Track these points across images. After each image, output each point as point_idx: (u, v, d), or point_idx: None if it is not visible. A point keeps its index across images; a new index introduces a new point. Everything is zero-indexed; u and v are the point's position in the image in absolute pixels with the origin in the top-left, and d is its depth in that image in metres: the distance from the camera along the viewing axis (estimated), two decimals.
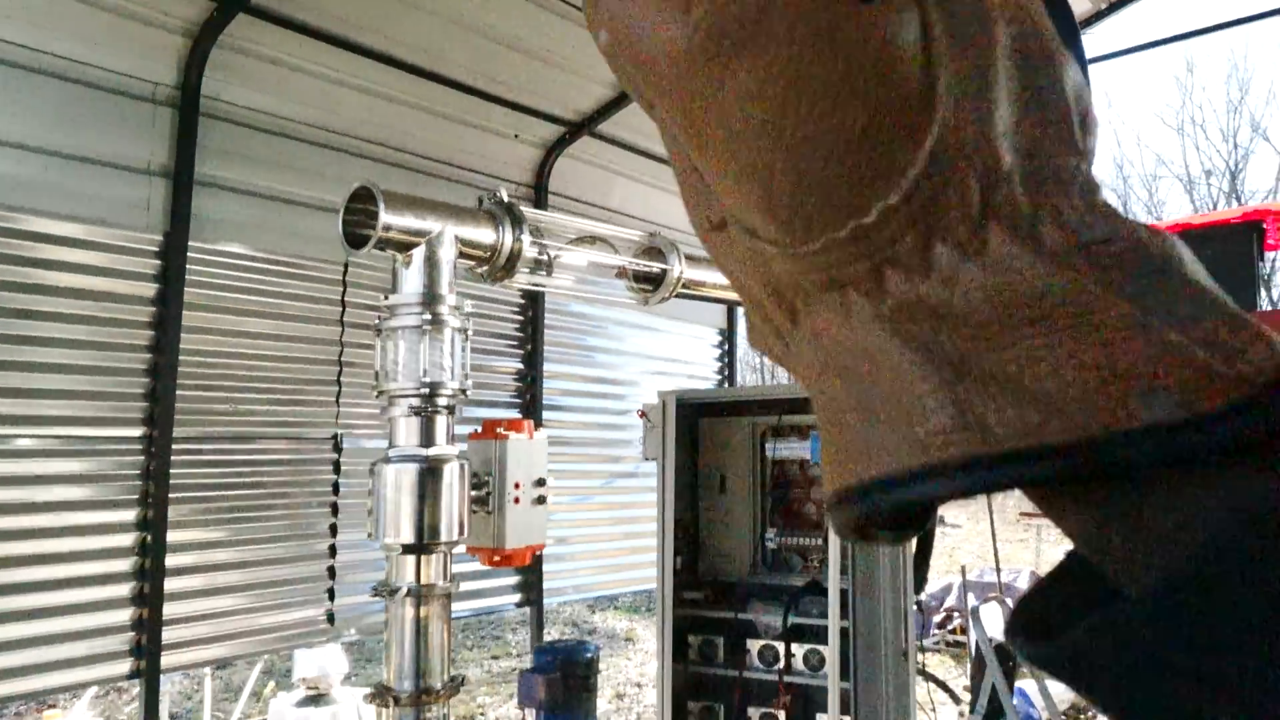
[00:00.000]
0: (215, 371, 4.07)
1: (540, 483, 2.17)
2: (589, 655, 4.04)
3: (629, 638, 10.55)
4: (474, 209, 2.25)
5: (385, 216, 1.92)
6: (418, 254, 2.02)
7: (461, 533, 1.95)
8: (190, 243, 3.96)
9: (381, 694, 1.76)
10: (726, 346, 7.16)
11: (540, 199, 5.59)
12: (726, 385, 7.07)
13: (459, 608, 5.00)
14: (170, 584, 3.78)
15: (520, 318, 5.56)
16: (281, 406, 4.33)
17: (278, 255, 4.36)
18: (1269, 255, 4.40)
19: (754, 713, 4.18)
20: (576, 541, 5.84)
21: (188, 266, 3.94)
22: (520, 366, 5.54)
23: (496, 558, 2.06)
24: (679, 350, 6.81)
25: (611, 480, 6.06)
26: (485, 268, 2.17)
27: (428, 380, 1.96)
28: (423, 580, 1.89)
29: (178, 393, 3.85)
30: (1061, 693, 7.07)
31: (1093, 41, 5.64)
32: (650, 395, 4.64)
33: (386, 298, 2.03)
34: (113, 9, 3.67)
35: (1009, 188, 0.22)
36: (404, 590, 1.80)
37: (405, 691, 1.72)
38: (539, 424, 5.47)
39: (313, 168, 4.49)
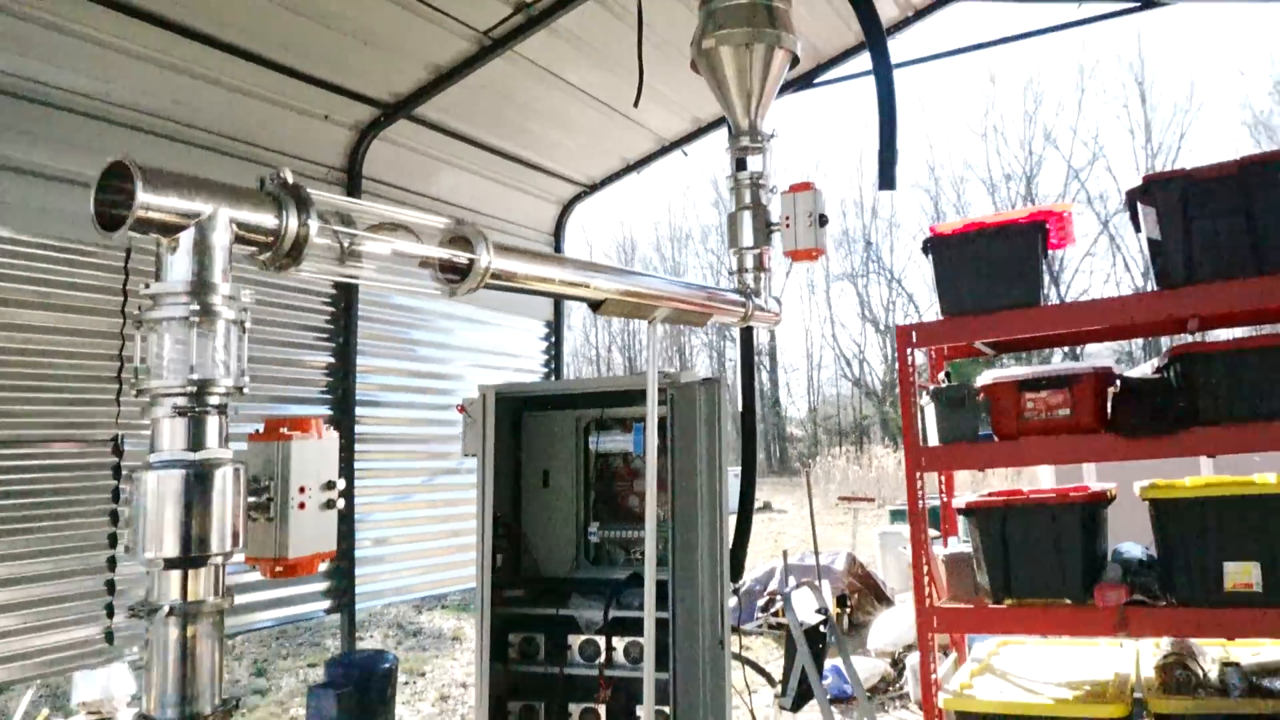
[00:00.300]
0: None
1: (330, 485, 2.02)
2: (386, 666, 3.86)
3: (456, 636, 10.33)
4: (254, 190, 2.07)
5: (143, 195, 1.73)
6: (185, 238, 1.83)
7: (236, 543, 1.78)
8: None
9: None
10: (554, 339, 7.10)
11: (354, 184, 5.32)
12: (553, 378, 7.01)
13: (263, 618, 4.69)
14: None
15: (332, 309, 5.27)
16: (57, 406, 3.90)
17: (51, 240, 3.92)
18: (1055, 253, 4.77)
19: (575, 709, 4.16)
20: (397, 541, 5.62)
21: None
22: (332, 360, 5.25)
23: (279, 568, 1.91)
24: (507, 343, 6.68)
25: (433, 478, 5.87)
26: (267, 255, 2.00)
27: (196, 377, 1.78)
28: (190, 597, 1.71)
29: None
30: (868, 668, 7.50)
31: (900, 46, 5.96)
32: (477, 389, 4.51)
33: (148, 285, 1.83)
34: None
35: None
36: (166, 609, 1.63)
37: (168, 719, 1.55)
38: (352, 421, 5.22)
39: (91, 144, 4.07)
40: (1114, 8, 5.42)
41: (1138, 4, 5.28)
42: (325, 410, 5.13)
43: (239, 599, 4.54)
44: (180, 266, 1.81)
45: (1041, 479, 10.54)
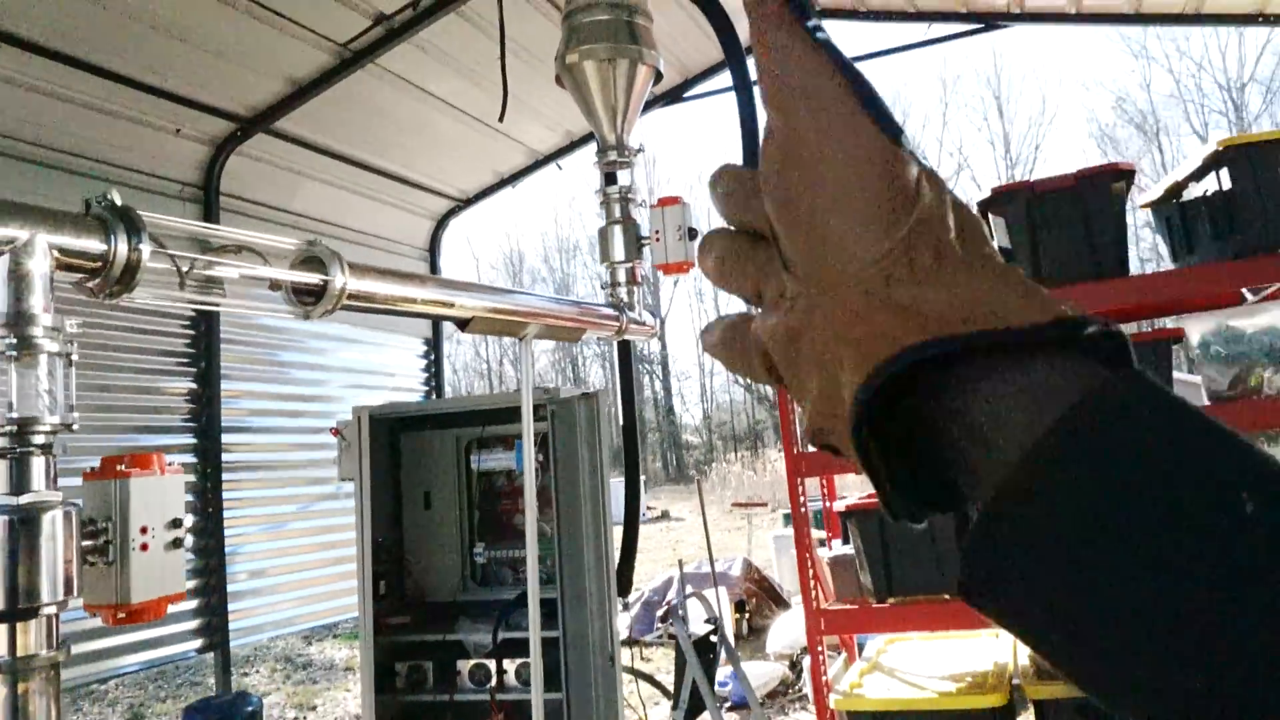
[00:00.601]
0: None
1: (176, 524, 1.90)
2: (250, 709, 3.67)
3: (349, 667, 9.96)
4: (78, 214, 1.93)
5: None
6: None
7: (70, 591, 1.65)
8: None
9: None
10: (433, 357, 6.95)
11: (210, 201, 5.08)
12: (433, 397, 6.86)
13: (129, 661, 4.41)
14: None
15: (192, 332, 5.01)
16: None
17: None
18: None
19: None
20: (275, 573, 5.38)
21: None
22: (193, 386, 4.98)
23: (121, 614, 1.77)
24: (385, 362, 6.51)
25: (310, 504, 5.65)
26: (95, 282, 1.87)
27: (16, 415, 1.64)
28: (20, 652, 1.57)
29: None
30: (767, 672, 7.62)
31: None
32: (351, 411, 4.36)
33: None
34: None
35: (947, 236, 0.38)
36: None
37: None
38: (219, 449, 4.96)
39: None
40: (959, 29, 5.71)
41: (981, 25, 5.58)
42: (189, 439, 4.87)
43: (101, 643, 4.27)
44: None
45: None
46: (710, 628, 4.11)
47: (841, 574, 4.47)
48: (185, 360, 4.96)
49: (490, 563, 4.55)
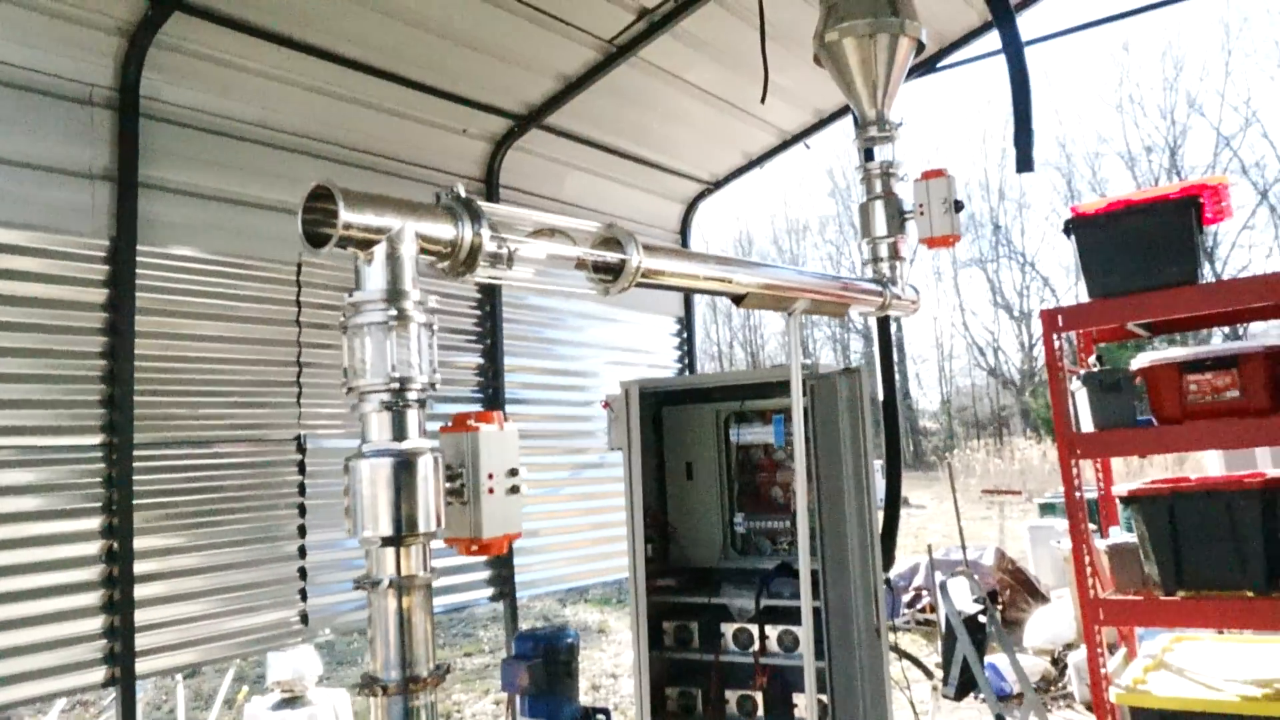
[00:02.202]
0: (173, 376, 4.01)
1: (513, 473, 2.17)
2: (569, 641, 4.10)
3: (602, 629, 10.59)
4: (432, 205, 2.24)
5: (345, 214, 1.91)
6: (379, 251, 2.01)
7: (438, 524, 1.95)
8: (139, 247, 3.88)
9: (369, 684, 1.77)
10: (685, 334, 7.20)
11: (492, 193, 5.57)
12: (686, 373, 7.11)
13: (439, 603, 4.98)
14: (138, 591, 3.72)
15: (478, 313, 5.54)
16: (242, 409, 4.27)
17: (229, 257, 4.29)
18: (1209, 228, 4.51)
19: (731, 695, 4.23)
20: (547, 534, 5.85)
21: (138, 271, 3.86)
22: (481, 361, 5.52)
23: (474, 547, 2.07)
24: (639, 340, 6.83)
25: (578, 472, 6.07)
26: (446, 263, 2.17)
27: (397, 375, 1.95)
28: (403, 572, 1.89)
29: (135, 398, 3.78)
30: (1027, 667, 7.26)
31: (1029, 24, 5.76)
32: (612, 386, 4.66)
33: (351, 295, 2.02)
34: (43, 9, 3.57)
35: None
36: (385, 582, 1.81)
37: (392, 681, 1.73)
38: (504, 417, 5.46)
39: (259, 167, 4.43)
40: None
41: None
42: (477, 409, 5.40)
43: None
44: (376, 277, 1.99)
45: (1207, 467, 9.92)
46: (979, 607, 4.02)
47: (1121, 563, 4.20)
48: (473, 337, 5.50)
49: (750, 533, 4.70)
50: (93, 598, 3.63)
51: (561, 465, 6.03)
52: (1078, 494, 4.20)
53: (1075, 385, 4.20)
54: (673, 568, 4.67)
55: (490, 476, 2.11)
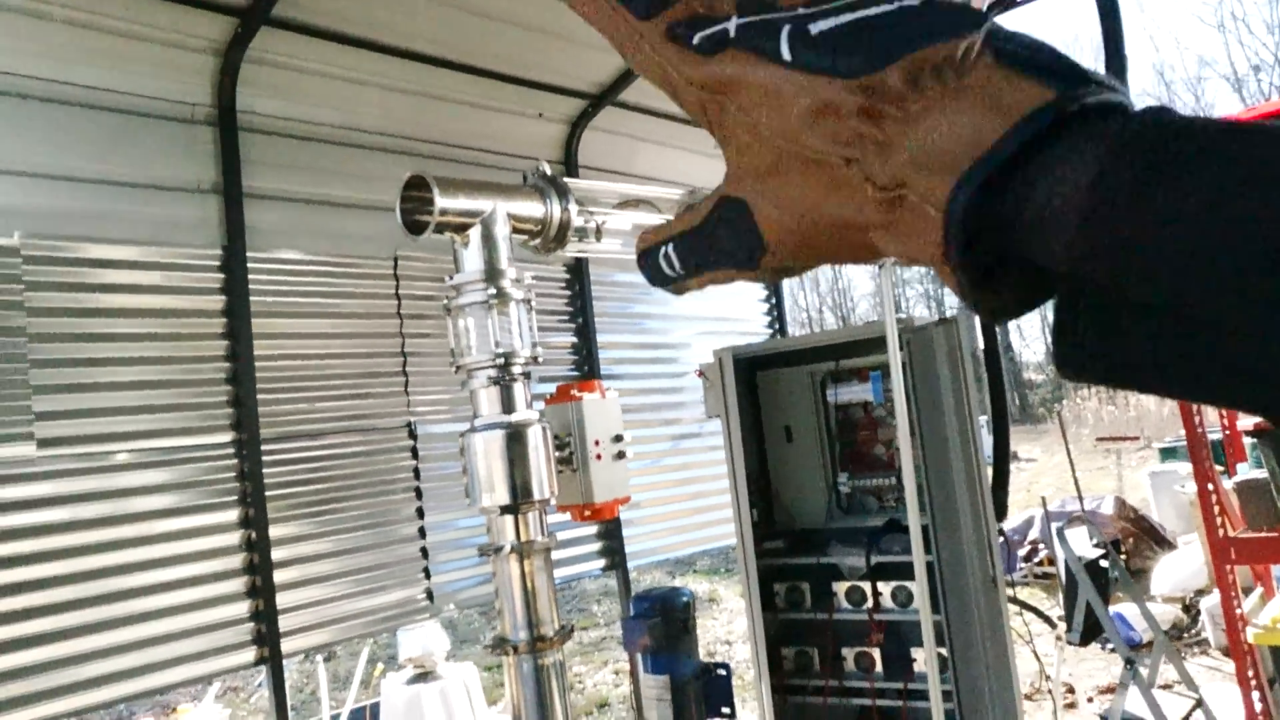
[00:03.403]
0: (288, 374, 4.22)
1: (618, 439, 2.23)
2: (685, 600, 4.21)
3: (712, 599, 10.68)
4: (520, 185, 2.30)
5: (440, 200, 1.98)
6: (474, 233, 2.08)
7: (551, 491, 2.02)
8: (249, 254, 4.09)
9: (500, 644, 1.86)
10: (774, 300, 7.15)
11: (571, 173, 5.63)
12: (778, 338, 7.07)
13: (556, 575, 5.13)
14: (276, 576, 3.97)
15: (568, 292, 5.63)
16: (354, 400, 4.46)
17: (330, 257, 4.48)
18: None
19: (848, 653, 4.24)
20: (649, 505, 5.92)
21: (249, 276, 4.07)
22: (574, 340, 5.61)
23: (587, 512, 2.14)
24: (727, 309, 6.82)
25: (677, 442, 6.12)
26: (537, 240, 2.23)
27: (501, 351, 2.02)
28: (523, 538, 1.96)
29: (258, 396, 4.01)
30: (1159, 613, 7.00)
31: None
32: (702, 355, 4.67)
33: (451, 278, 2.10)
34: (137, 35, 3.78)
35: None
36: (507, 548, 1.89)
37: (521, 640, 1.81)
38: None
39: (348, 168, 4.59)
40: None
41: None
42: None
43: None
44: (473, 258, 2.06)
45: None
46: (1100, 552, 3.91)
47: (1251, 500, 4.02)
48: (565, 317, 5.60)
49: (854, 491, 4.67)
50: (238, 584, 3.89)
51: (660, 437, 6.10)
52: (1200, 431, 4.04)
53: None
54: (779, 530, 4.68)
55: (597, 443, 2.17)
